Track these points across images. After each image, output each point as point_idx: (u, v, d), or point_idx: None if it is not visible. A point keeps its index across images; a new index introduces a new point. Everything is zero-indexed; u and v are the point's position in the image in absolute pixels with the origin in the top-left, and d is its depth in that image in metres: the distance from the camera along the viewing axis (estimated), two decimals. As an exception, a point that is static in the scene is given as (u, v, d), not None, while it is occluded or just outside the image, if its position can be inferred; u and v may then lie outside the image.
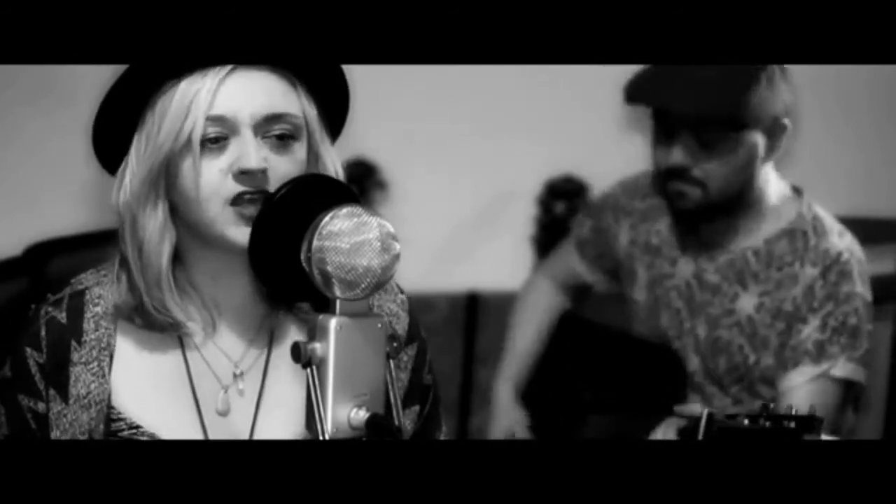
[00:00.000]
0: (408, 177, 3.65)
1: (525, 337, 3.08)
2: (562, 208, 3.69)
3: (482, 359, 3.76)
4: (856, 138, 3.95)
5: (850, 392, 2.70)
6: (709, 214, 2.74)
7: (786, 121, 2.70)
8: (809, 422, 2.25)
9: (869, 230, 2.84)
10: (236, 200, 1.77)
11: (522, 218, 3.74)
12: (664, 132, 2.70)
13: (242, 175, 1.76)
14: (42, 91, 3.37)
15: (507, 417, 3.04)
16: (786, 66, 2.72)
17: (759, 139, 2.68)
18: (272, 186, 1.76)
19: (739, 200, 2.73)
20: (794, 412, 2.25)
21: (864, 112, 3.93)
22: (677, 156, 2.67)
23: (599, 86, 3.73)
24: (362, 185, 3.53)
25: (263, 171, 1.76)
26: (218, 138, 1.77)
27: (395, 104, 3.64)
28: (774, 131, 2.70)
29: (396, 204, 3.59)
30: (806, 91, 3.79)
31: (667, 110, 2.69)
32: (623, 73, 3.01)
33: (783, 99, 2.70)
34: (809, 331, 2.67)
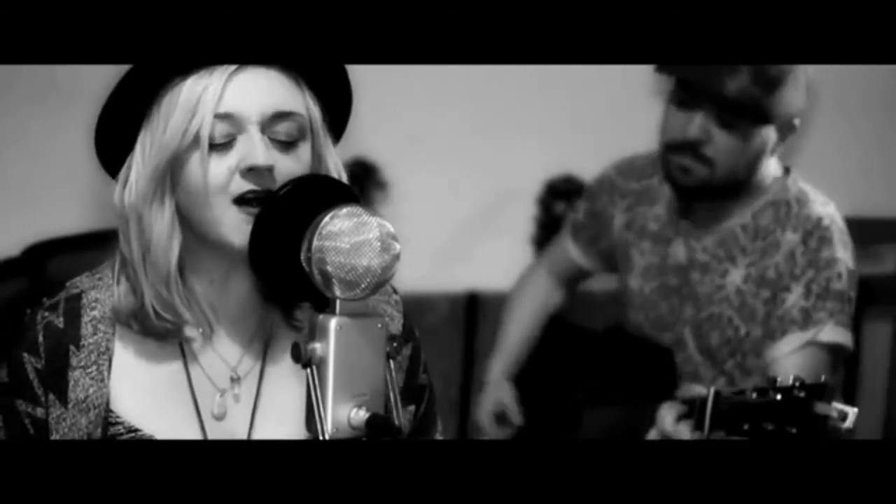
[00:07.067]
0: (408, 177, 3.65)
1: (519, 326, 3.11)
2: (562, 208, 3.68)
3: (482, 359, 3.77)
4: (855, 138, 3.95)
5: (837, 357, 2.70)
6: (706, 194, 2.74)
7: (797, 122, 2.71)
8: (819, 390, 2.24)
9: (869, 230, 2.84)
10: (242, 199, 1.75)
11: (522, 218, 3.74)
12: (685, 103, 2.67)
13: (250, 172, 1.75)
14: (43, 91, 3.37)
15: (497, 390, 3.05)
16: (809, 68, 2.72)
17: (772, 134, 2.70)
18: (277, 186, 1.75)
19: (739, 186, 2.74)
20: (797, 382, 2.23)
21: (863, 112, 3.93)
22: (695, 128, 2.66)
23: (600, 86, 3.75)
24: (362, 185, 3.52)
25: (270, 169, 1.75)
26: (226, 137, 1.76)
27: (396, 104, 3.64)
28: (786, 130, 2.71)
29: (396, 204, 3.59)
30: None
31: (695, 83, 2.65)
32: (623, 73, 3.02)
33: (801, 101, 2.71)
34: (794, 298, 2.67)
